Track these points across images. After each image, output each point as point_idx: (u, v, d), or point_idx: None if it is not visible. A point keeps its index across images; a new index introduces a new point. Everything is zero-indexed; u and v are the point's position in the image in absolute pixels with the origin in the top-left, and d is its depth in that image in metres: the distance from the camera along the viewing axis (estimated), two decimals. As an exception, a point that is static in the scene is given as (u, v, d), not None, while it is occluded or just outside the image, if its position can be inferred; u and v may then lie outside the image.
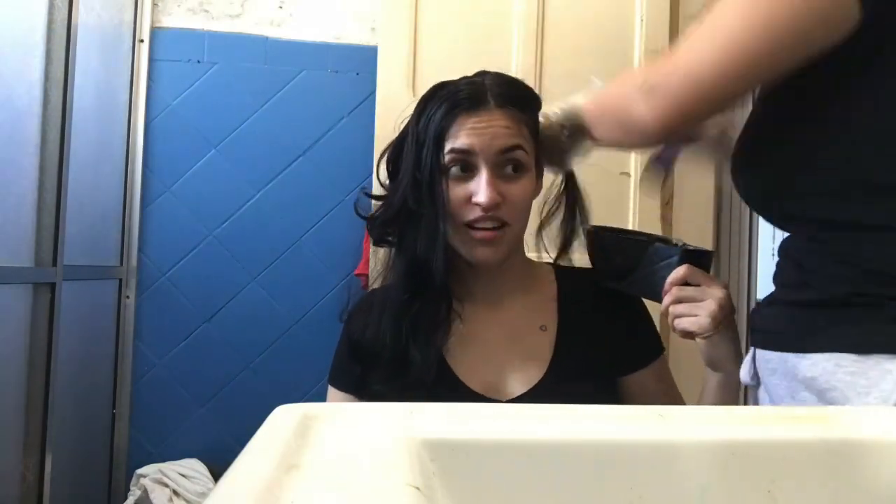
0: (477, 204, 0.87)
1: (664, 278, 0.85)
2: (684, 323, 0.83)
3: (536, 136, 0.93)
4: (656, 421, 0.53)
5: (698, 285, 0.84)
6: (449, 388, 0.89)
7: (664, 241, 0.95)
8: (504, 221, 0.89)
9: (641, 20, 1.96)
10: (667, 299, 0.85)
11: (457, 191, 0.88)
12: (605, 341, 0.94)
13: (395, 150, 0.96)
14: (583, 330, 0.95)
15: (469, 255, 0.91)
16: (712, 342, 0.84)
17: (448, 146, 0.88)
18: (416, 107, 0.95)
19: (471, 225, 0.89)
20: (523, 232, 0.95)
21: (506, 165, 0.89)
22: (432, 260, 0.88)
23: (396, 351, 0.90)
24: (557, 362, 0.92)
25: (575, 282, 0.99)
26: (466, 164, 0.88)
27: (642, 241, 0.93)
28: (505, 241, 0.90)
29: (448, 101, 0.90)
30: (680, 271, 0.84)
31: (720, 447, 0.48)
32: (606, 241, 0.96)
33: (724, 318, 0.83)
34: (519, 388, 0.90)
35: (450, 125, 0.89)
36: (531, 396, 0.88)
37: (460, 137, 0.88)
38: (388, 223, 0.94)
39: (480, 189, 0.87)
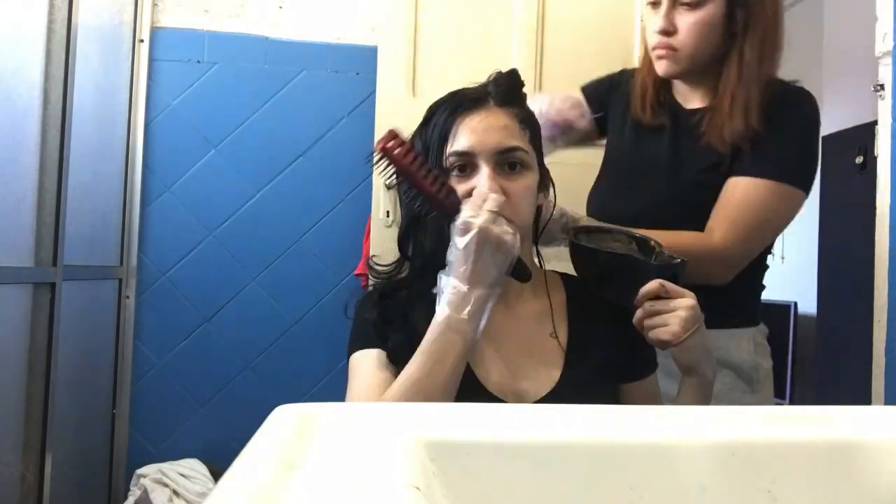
0: None
1: (638, 291, 0.91)
2: (658, 332, 0.89)
3: (538, 132, 0.96)
4: (656, 421, 0.53)
5: (668, 297, 0.89)
6: (465, 384, 0.88)
7: (641, 242, 1.00)
8: (507, 219, 0.88)
9: (641, 20, 1.96)
10: (639, 313, 0.91)
11: (460, 189, 0.89)
12: (610, 351, 0.96)
13: None
14: (591, 340, 0.96)
15: None
16: (685, 348, 0.90)
17: (449, 148, 0.90)
18: (425, 114, 0.96)
19: None
20: (528, 230, 0.95)
21: (506, 163, 0.90)
22: (440, 257, 0.88)
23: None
24: (569, 372, 0.93)
25: (582, 291, 0.99)
26: (468, 164, 0.90)
27: (618, 254, 0.98)
28: None
29: (451, 104, 0.93)
30: (650, 286, 0.90)
31: (720, 447, 0.48)
32: (586, 252, 0.98)
33: (694, 324, 0.88)
34: (531, 394, 0.91)
35: (451, 126, 0.91)
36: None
37: (459, 138, 0.90)
38: (408, 230, 0.96)
39: (481, 183, 0.88)
